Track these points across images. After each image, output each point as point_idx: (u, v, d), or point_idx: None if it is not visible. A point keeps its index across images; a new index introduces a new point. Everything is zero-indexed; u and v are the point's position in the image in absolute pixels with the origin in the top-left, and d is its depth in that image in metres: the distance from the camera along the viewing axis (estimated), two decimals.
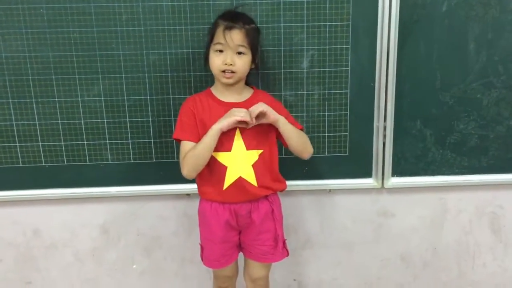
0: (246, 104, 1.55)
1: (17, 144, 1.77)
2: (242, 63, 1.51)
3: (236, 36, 1.48)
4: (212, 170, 1.58)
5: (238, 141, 1.55)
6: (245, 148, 1.56)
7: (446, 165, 1.88)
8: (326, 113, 1.80)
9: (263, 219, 1.63)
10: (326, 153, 1.83)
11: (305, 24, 1.70)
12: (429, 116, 1.82)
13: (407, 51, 1.74)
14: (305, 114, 1.79)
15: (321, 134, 1.81)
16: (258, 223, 1.62)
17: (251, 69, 1.57)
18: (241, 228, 1.65)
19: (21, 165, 1.79)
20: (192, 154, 1.52)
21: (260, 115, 1.50)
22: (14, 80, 1.71)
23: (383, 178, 1.87)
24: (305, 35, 1.71)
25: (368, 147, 1.84)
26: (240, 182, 1.57)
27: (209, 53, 1.53)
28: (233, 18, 1.51)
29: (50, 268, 1.97)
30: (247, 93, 1.60)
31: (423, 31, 1.74)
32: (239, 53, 1.50)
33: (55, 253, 1.95)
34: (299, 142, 1.59)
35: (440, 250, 2.03)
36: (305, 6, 1.68)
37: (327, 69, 1.75)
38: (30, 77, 1.71)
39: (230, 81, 1.52)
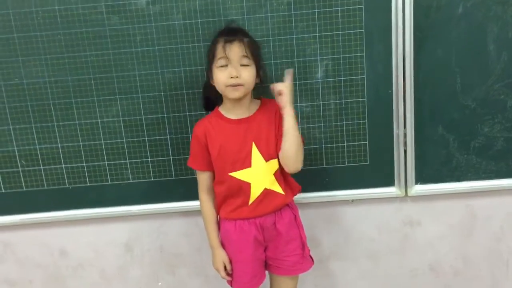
0: (255, 116, 1.55)
1: (41, 167, 1.82)
2: (248, 74, 1.48)
3: (238, 48, 1.47)
4: (234, 190, 1.56)
5: (256, 155, 1.54)
6: (264, 161, 1.54)
7: (472, 170, 1.82)
8: (344, 123, 1.77)
9: (288, 227, 1.60)
10: (346, 163, 1.81)
11: (317, 34, 1.69)
12: (451, 120, 1.77)
13: (424, 56, 1.71)
14: (322, 124, 1.77)
15: (339, 144, 1.79)
16: (284, 232, 1.60)
17: (256, 84, 1.54)
18: (267, 242, 1.62)
19: (46, 187, 1.84)
20: (202, 216, 1.65)
21: (278, 94, 1.48)
22: (36, 105, 1.76)
23: (406, 186, 1.82)
24: (318, 45, 1.70)
25: (389, 155, 1.80)
26: (266, 194, 1.56)
27: (212, 72, 1.51)
28: (231, 32, 1.51)
29: None
30: (254, 107, 1.58)
31: (440, 34, 1.70)
32: (243, 65, 1.48)
33: (82, 273, 1.98)
34: (293, 146, 1.49)
35: (471, 258, 1.96)
36: (316, 16, 1.67)
37: (342, 78, 1.73)
38: (51, 102, 1.75)
39: (238, 94, 1.49)
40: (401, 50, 1.69)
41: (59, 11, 1.67)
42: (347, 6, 1.66)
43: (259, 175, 1.55)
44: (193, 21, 1.68)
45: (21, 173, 1.82)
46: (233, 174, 1.54)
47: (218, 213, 1.64)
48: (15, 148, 1.80)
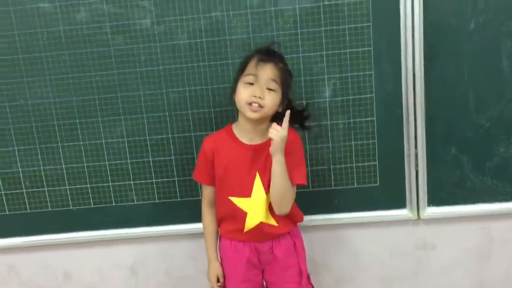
0: (267, 146, 1.46)
1: (45, 189, 1.80)
2: (271, 99, 1.43)
3: (270, 70, 1.43)
4: (231, 213, 1.54)
5: (258, 186, 1.50)
6: (264, 193, 1.50)
7: (488, 192, 1.75)
8: (353, 143, 1.72)
9: (285, 254, 1.56)
10: (355, 184, 1.75)
11: (324, 52, 1.65)
12: (464, 140, 1.71)
13: (435, 73, 1.66)
14: (330, 144, 1.72)
15: (348, 165, 1.74)
16: (281, 258, 1.55)
17: (277, 112, 1.49)
18: (264, 266, 1.59)
19: (50, 209, 1.81)
20: (203, 228, 1.64)
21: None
22: (41, 126, 1.74)
23: (418, 209, 1.76)
24: (325, 64, 1.66)
25: (400, 176, 1.74)
26: (260, 227, 1.52)
27: (237, 86, 1.46)
28: (268, 53, 1.48)
29: None
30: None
31: (451, 51, 1.65)
32: (269, 89, 1.44)
33: None
34: (278, 192, 1.45)
35: (488, 284, 1.88)
36: (323, 34, 1.64)
37: (350, 97, 1.68)
38: (55, 122, 1.74)
39: (256, 115, 1.43)
40: (410, 67, 1.64)
41: (64, 31, 1.66)
42: (355, 24, 1.63)
43: (257, 207, 1.51)
44: (198, 40, 1.65)
45: (25, 195, 1.81)
46: (232, 198, 1.51)
47: (219, 228, 1.62)
48: (20, 169, 1.78)
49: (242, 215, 1.52)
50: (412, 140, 1.70)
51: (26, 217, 1.82)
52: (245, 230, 1.53)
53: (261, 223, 1.52)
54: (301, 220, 1.63)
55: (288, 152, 1.44)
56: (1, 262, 1.91)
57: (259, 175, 1.49)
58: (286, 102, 1.51)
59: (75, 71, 1.69)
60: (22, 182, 1.79)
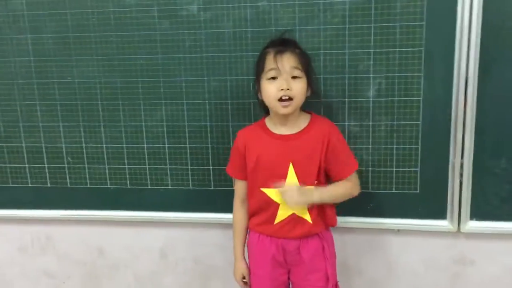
0: (301, 136, 1.46)
1: (86, 166, 1.85)
2: (299, 87, 1.40)
3: (289, 59, 1.40)
4: (263, 205, 1.52)
5: (291, 177, 1.46)
6: (298, 183, 1.46)
7: None
8: (395, 146, 1.65)
9: (312, 256, 1.51)
10: (393, 189, 1.68)
11: (371, 50, 1.58)
12: None
13: (490, 80, 1.55)
14: (370, 146, 1.66)
15: (388, 169, 1.66)
16: (307, 261, 1.51)
17: (307, 97, 1.48)
18: (290, 266, 1.55)
19: (88, 186, 1.86)
20: (232, 223, 1.63)
21: None
22: (85, 105, 1.79)
23: (459, 221, 1.66)
24: (371, 62, 1.59)
25: (443, 186, 1.65)
26: (292, 219, 1.49)
27: (261, 84, 1.44)
28: (282, 43, 1.45)
29: None
30: (302, 122, 1.49)
31: (510, 56, 1.54)
32: (294, 77, 1.41)
33: (117, 274, 1.99)
34: (339, 200, 1.52)
35: None
36: (372, 31, 1.57)
37: (396, 99, 1.61)
38: (99, 102, 1.77)
39: (288, 110, 1.41)
40: (464, 71, 1.54)
41: (114, 13, 1.69)
42: (407, 22, 1.55)
43: None
44: (243, 29, 1.63)
45: (66, 170, 1.86)
46: (265, 190, 1.48)
47: (249, 222, 1.60)
48: (63, 144, 1.84)
49: (275, 206, 1.49)
50: (458, 149, 1.60)
51: (66, 191, 1.88)
52: (276, 221, 1.50)
53: (293, 214, 1.48)
54: (334, 224, 1.57)
55: (332, 148, 1.45)
56: (40, 232, 1.99)
57: (293, 165, 1.46)
58: (313, 85, 1.48)
59: (121, 53, 1.72)
60: (65, 157, 1.85)
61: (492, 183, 1.63)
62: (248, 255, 1.61)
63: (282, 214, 1.49)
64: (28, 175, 1.89)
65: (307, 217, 1.49)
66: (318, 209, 1.50)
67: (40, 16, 1.72)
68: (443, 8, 1.52)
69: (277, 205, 1.49)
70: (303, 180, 1.45)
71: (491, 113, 1.58)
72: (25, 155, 1.87)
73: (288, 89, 1.39)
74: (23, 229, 1.99)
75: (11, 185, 1.91)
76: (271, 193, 1.48)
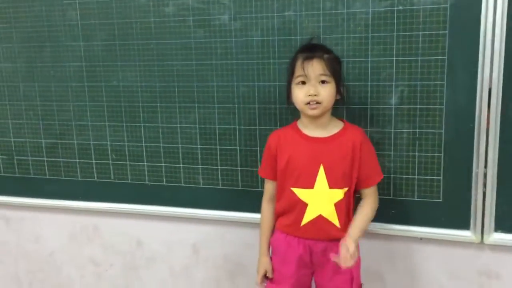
0: (333, 140, 1.52)
1: (127, 163, 2.00)
2: (327, 92, 1.47)
3: (317, 66, 1.46)
4: (291, 205, 1.57)
5: (321, 178, 1.52)
6: (327, 186, 1.52)
7: None
8: (417, 154, 1.65)
9: None
10: (415, 197, 1.68)
11: (394, 58, 1.61)
12: None
13: None
14: (392, 153, 1.67)
15: (410, 176, 1.67)
16: (333, 263, 1.54)
17: (336, 100, 1.54)
18: (315, 267, 1.60)
19: (129, 181, 2.02)
20: (260, 222, 1.70)
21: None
22: (128, 106, 1.95)
23: (483, 232, 1.63)
24: (394, 70, 1.62)
25: (466, 195, 1.63)
26: (320, 220, 1.54)
27: (291, 89, 1.53)
28: (311, 49, 1.51)
29: (149, 279, 2.16)
30: (334, 127, 1.55)
31: None
32: (322, 82, 1.47)
33: (154, 266, 2.13)
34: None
35: None
36: (395, 40, 1.59)
37: (418, 107, 1.62)
38: (140, 104, 1.93)
39: (316, 112, 1.49)
40: (487, 80, 1.53)
41: (154, 23, 1.84)
42: (430, 30, 1.56)
43: (318, 199, 1.52)
44: (270, 38, 1.72)
45: (111, 166, 2.03)
46: (294, 189, 1.54)
47: (276, 221, 1.66)
48: (108, 142, 2.01)
49: (303, 206, 1.54)
50: (482, 158, 1.58)
51: (110, 186, 2.04)
52: (303, 222, 1.55)
53: (320, 216, 1.53)
54: None
55: (362, 156, 1.52)
56: (89, 222, 2.18)
57: (323, 167, 1.51)
58: (343, 88, 1.54)
59: (160, 59, 1.86)
60: (109, 154, 2.02)
61: None
62: (272, 253, 1.67)
63: (309, 215, 1.54)
64: (78, 169, 2.08)
65: (336, 221, 1.53)
66: (346, 213, 1.55)
67: (91, 25, 1.91)
68: (466, 16, 1.52)
69: (305, 205, 1.54)
70: (332, 182, 1.50)
71: None
72: (76, 151, 2.06)
73: (315, 95, 1.46)
74: (73, 219, 2.19)
75: (63, 178, 2.11)
76: (301, 193, 1.54)
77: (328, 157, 1.51)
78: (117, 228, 2.14)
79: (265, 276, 1.68)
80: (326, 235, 1.54)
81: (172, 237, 2.07)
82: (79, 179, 2.09)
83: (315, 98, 1.46)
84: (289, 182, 1.56)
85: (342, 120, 1.60)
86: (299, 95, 1.49)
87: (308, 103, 1.48)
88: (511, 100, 1.53)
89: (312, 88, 1.46)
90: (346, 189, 1.52)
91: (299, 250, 1.58)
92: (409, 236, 1.74)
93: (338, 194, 1.52)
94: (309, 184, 1.53)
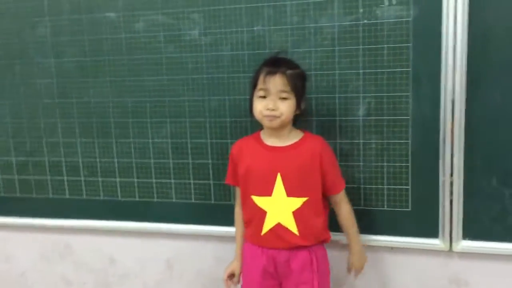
0: (291, 149, 1.55)
1: (99, 179, 1.99)
2: (285, 108, 1.50)
3: (278, 81, 1.49)
4: (252, 214, 1.59)
5: (278, 186, 1.54)
6: (285, 194, 1.53)
7: None
8: (385, 164, 1.68)
9: (301, 269, 1.56)
10: (385, 206, 1.71)
11: (361, 71, 1.65)
12: (507, 173, 1.59)
13: (478, 99, 1.57)
14: (361, 163, 1.70)
15: (379, 186, 1.70)
16: (296, 273, 1.56)
17: (296, 115, 1.57)
18: (281, 278, 1.60)
19: (101, 197, 2.00)
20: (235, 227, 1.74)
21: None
22: (100, 122, 1.94)
23: (451, 240, 1.66)
24: (361, 82, 1.65)
25: (434, 204, 1.66)
26: (278, 228, 1.55)
27: (253, 100, 1.55)
28: (275, 63, 1.53)
29: None
30: (295, 137, 1.58)
31: (498, 77, 1.55)
32: (282, 98, 1.50)
33: (127, 282, 2.10)
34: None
35: None
36: (361, 53, 1.64)
37: (385, 118, 1.65)
38: (111, 120, 1.92)
39: (274, 123, 1.52)
40: (450, 91, 1.57)
41: (125, 39, 1.85)
42: (394, 43, 1.60)
43: (277, 207, 1.54)
44: (240, 52, 1.74)
45: (83, 182, 2.02)
46: (254, 197, 1.56)
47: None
48: (80, 159, 2.00)
49: (263, 214, 1.56)
50: (447, 167, 1.62)
51: (82, 203, 2.03)
52: (264, 231, 1.57)
53: (279, 224, 1.55)
54: (327, 240, 1.63)
55: (323, 165, 1.54)
56: (60, 240, 2.14)
57: (281, 175, 1.53)
58: (304, 103, 1.57)
59: (131, 74, 1.87)
60: (81, 171, 2.01)
61: (483, 202, 1.63)
62: (242, 265, 1.68)
63: (268, 223, 1.56)
64: (50, 187, 2.06)
65: (294, 229, 1.55)
66: (306, 222, 1.55)
67: (62, 42, 1.91)
68: (428, 29, 1.57)
69: (264, 213, 1.56)
70: (290, 190, 1.52)
71: (480, 133, 1.59)
72: (47, 168, 2.04)
73: (274, 110, 1.49)
74: (45, 237, 2.15)
75: (34, 196, 2.08)
76: (260, 201, 1.56)
77: (286, 165, 1.54)
78: (89, 246, 2.12)
79: (232, 277, 1.71)
80: (287, 244, 1.56)
81: (145, 253, 2.05)
82: (50, 196, 2.07)
83: (273, 113, 1.49)
84: (249, 190, 1.59)
85: (303, 131, 1.62)
86: (258, 107, 1.52)
87: (267, 115, 1.51)
88: (475, 110, 1.58)
89: (271, 103, 1.49)
90: (305, 198, 1.54)
91: (262, 261, 1.59)
92: (381, 245, 1.76)
93: (296, 202, 1.54)
94: (267, 192, 1.55)
